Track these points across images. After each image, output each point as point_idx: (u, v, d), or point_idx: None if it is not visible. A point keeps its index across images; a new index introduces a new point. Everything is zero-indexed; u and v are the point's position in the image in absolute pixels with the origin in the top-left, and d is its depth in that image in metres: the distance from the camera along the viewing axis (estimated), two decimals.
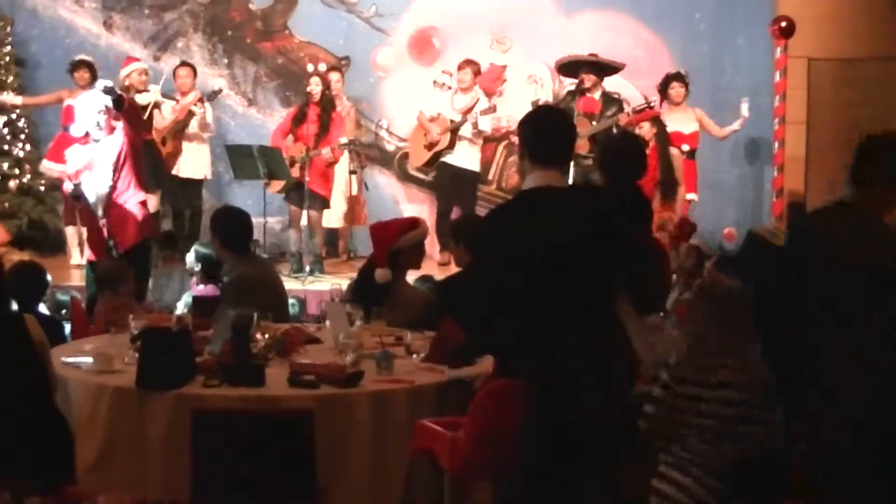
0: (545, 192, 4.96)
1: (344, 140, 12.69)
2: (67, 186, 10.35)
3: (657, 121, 11.92)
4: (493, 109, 13.17)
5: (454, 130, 13.10)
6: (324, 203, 12.70)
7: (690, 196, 12.89)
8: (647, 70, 14.10)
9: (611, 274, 4.83)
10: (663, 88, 12.97)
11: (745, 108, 13.09)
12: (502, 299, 4.97)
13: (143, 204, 10.19)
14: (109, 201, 10.03)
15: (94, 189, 10.05)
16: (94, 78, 13.15)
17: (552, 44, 14.15)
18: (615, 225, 4.94)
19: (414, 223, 8.11)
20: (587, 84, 12.57)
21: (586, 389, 4.79)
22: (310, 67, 13.85)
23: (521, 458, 4.95)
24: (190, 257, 9.45)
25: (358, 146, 13.39)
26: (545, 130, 5.11)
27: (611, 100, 12.58)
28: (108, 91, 9.96)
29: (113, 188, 10.02)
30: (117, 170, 10.08)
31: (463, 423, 5.51)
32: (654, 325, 4.95)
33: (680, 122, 12.88)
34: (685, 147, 12.84)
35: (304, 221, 12.66)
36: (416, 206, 14.37)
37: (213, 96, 13.53)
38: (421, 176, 14.44)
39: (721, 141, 13.45)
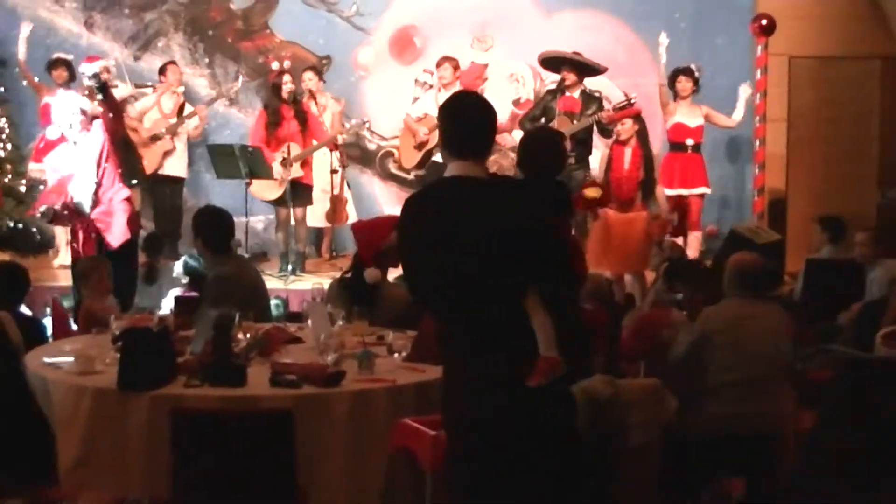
0: (460, 181, 4.92)
1: (354, 121, 12.85)
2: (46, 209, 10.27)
3: (639, 118, 11.93)
4: None
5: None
6: (310, 195, 12.72)
7: (702, 190, 12.91)
8: (626, 69, 14.11)
9: (514, 267, 4.80)
10: (670, 82, 12.99)
11: (743, 91, 13.12)
12: (415, 286, 5.04)
13: (129, 200, 10.22)
14: (95, 198, 10.06)
15: (80, 188, 10.06)
16: (72, 76, 13.16)
17: (532, 42, 14.12)
18: (521, 217, 4.89)
19: (396, 221, 8.11)
20: (568, 82, 12.56)
21: (489, 378, 4.80)
22: (275, 66, 13.83)
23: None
24: (178, 268, 9.46)
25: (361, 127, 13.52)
26: (460, 120, 5.04)
27: (591, 98, 12.56)
28: (93, 77, 10.00)
29: (98, 185, 10.06)
30: (100, 165, 10.11)
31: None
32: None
33: (685, 115, 12.89)
34: (689, 141, 12.85)
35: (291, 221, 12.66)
36: (398, 205, 14.32)
37: (210, 102, 13.60)
38: (402, 174, 14.44)
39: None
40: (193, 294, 7.99)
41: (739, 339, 6.58)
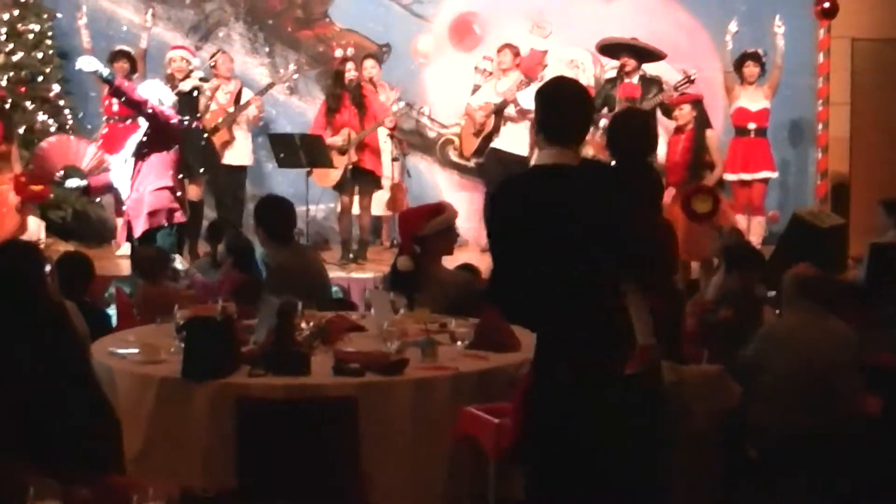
0: (553, 170, 4.88)
1: (402, 103, 12.85)
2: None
3: (698, 104, 11.86)
4: (527, 83, 13.08)
5: (498, 112, 13.09)
6: (376, 182, 12.71)
7: (765, 174, 12.84)
8: (686, 54, 14.04)
9: (612, 252, 4.76)
10: (738, 66, 12.91)
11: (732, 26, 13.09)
12: (511, 275, 4.95)
13: (164, 191, 10.33)
14: (131, 187, 10.28)
15: (119, 177, 10.25)
16: (133, 68, 13.26)
17: (592, 28, 14.10)
18: (617, 202, 4.85)
19: (439, 209, 8.09)
20: (628, 68, 12.54)
21: (582, 366, 4.75)
22: (338, 53, 13.86)
23: (529, 433, 4.97)
24: (221, 247, 9.51)
25: (412, 108, 13.48)
26: (557, 105, 4.97)
27: (650, 82, 12.52)
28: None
29: (135, 174, 10.26)
30: (142, 156, 10.29)
31: (507, 409, 5.52)
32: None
33: (749, 99, 12.81)
34: (752, 125, 12.77)
35: (355, 210, 12.69)
36: (458, 192, 14.36)
37: (264, 91, 13.62)
38: (462, 162, 14.43)
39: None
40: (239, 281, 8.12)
41: (800, 355, 6.45)
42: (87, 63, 10.83)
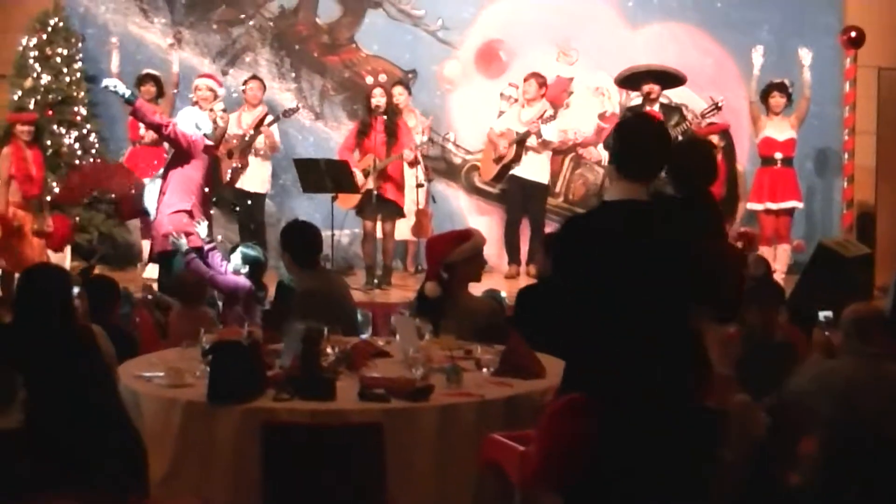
0: (625, 206, 4.90)
1: (424, 138, 12.77)
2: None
3: (725, 134, 11.86)
4: (553, 117, 13.13)
5: (520, 142, 13.11)
6: (398, 211, 12.72)
7: (792, 204, 12.84)
8: (713, 82, 14.04)
9: (686, 286, 4.78)
10: (763, 97, 12.92)
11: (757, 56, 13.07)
12: (576, 307, 4.95)
13: (180, 213, 10.48)
14: (157, 209, 10.84)
15: (148, 198, 10.45)
16: (160, 92, 13.34)
17: (618, 56, 14.13)
18: (691, 237, 4.87)
19: (467, 235, 8.10)
20: (653, 95, 12.56)
21: (657, 403, 4.75)
22: (369, 80, 13.89)
23: (593, 472, 4.93)
24: (236, 258, 9.52)
25: (434, 143, 13.46)
26: (635, 142, 5.00)
27: (671, 109, 12.55)
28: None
29: (160, 196, 10.48)
30: (165, 178, 10.52)
31: (533, 437, 5.51)
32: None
33: (775, 129, 12.81)
34: (778, 155, 12.78)
35: (378, 234, 12.70)
36: (484, 218, 14.37)
37: (289, 113, 13.64)
38: (488, 188, 14.43)
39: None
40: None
41: (854, 402, 6.22)
42: (112, 83, 10.94)
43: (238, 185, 13.31)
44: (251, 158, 13.32)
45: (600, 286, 4.83)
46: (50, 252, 12.41)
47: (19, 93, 13.96)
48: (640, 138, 5.02)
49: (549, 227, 12.46)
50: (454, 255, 7.72)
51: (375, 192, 12.34)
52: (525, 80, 13.41)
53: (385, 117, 12.44)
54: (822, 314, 7.96)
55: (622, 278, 4.78)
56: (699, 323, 4.80)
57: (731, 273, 5.27)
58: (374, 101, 12.53)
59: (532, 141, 13.06)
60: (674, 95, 12.80)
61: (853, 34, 13.41)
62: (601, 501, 4.86)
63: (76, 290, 7.05)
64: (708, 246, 4.94)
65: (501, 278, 12.95)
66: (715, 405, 4.77)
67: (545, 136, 12.98)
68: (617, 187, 5.00)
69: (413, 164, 12.88)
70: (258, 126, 13.30)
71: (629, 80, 13.01)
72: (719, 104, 12.26)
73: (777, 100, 12.86)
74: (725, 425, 4.90)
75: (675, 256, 4.77)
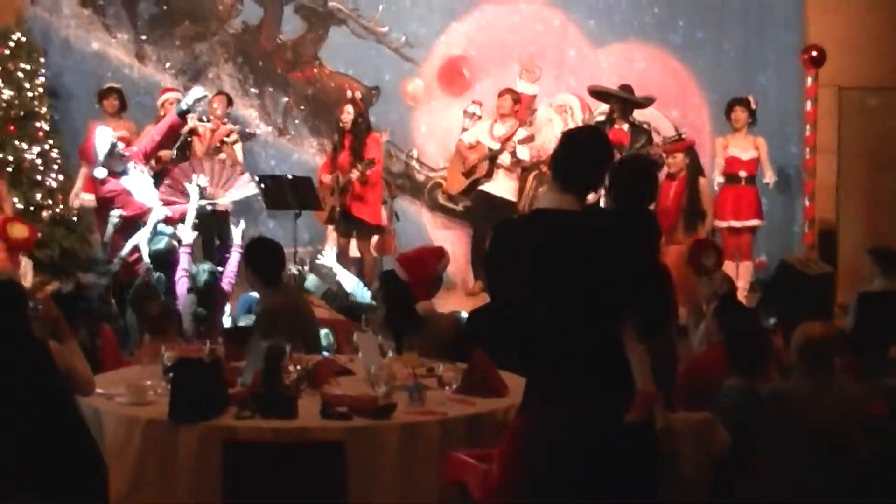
0: (555, 215, 4.89)
1: (367, 161, 12.72)
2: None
3: (690, 151, 11.91)
4: (531, 139, 13.16)
5: (492, 159, 13.10)
6: (369, 229, 12.73)
7: (754, 223, 12.95)
8: (675, 99, 14.12)
9: (619, 300, 4.79)
10: (726, 113, 13.01)
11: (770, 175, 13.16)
12: (513, 317, 4.96)
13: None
14: None
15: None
16: (122, 106, 13.31)
17: (581, 74, 14.21)
18: (620, 248, 4.88)
19: (441, 251, 8.14)
20: (616, 114, 12.60)
21: (591, 415, 4.75)
22: (349, 94, 13.91)
23: (523, 477, 4.96)
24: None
25: (379, 169, 13.42)
26: (573, 153, 5.00)
27: (639, 130, 12.58)
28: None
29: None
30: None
31: (495, 455, 5.51)
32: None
33: (739, 147, 12.93)
34: (742, 173, 12.90)
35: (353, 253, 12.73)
36: (447, 234, 14.37)
37: (247, 137, 13.63)
38: (451, 206, 14.44)
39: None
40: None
41: (813, 420, 6.27)
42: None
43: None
44: None
45: (525, 293, 4.83)
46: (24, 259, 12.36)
47: None
48: (578, 150, 5.02)
49: None
50: (437, 270, 7.77)
51: (339, 209, 12.33)
52: (500, 94, 13.37)
53: (351, 134, 12.46)
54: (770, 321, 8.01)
55: (545, 287, 4.79)
56: (624, 336, 4.80)
57: (657, 292, 5.27)
58: (343, 117, 12.56)
59: (505, 158, 13.05)
60: (639, 114, 12.83)
61: (814, 53, 13.49)
62: None
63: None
64: (637, 259, 4.94)
65: (464, 296, 12.96)
66: (636, 420, 4.75)
67: (520, 155, 13.00)
68: (550, 196, 5.01)
69: (363, 181, 12.79)
70: (221, 143, 13.25)
71: (600, 95, 13.07)
72: (682, 135, 12.37)
73: (738, 114, 12.95)
74: (646, 440, 4.89)
75: (600, 268, 4.76)
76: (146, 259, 9.98)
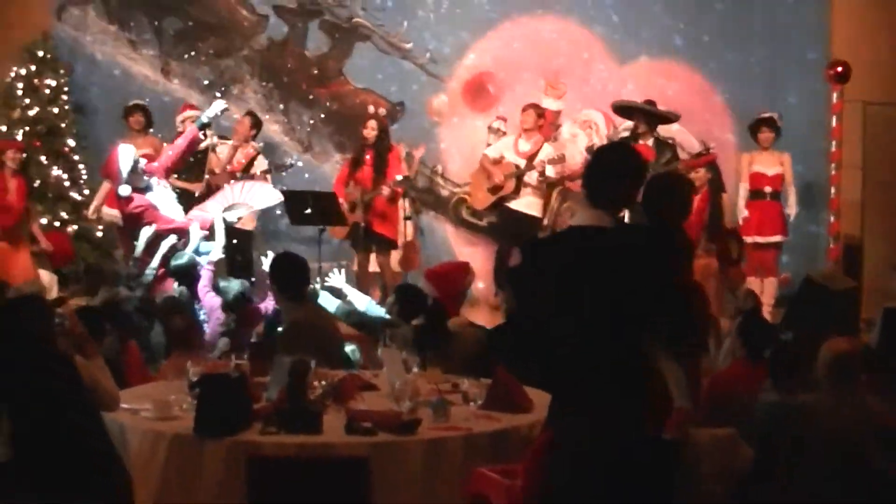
0: (587, 231, 4.92)
1: (399, 177, 12.73)
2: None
3: (712, 166, 11.89)
4: (562, 159, 13.09)
5: (520, 177, 13.05)
6: (389, 244, 12.73)
7: (778, 238, 12.91)
8: (700, 115, 14.10)
9: (644, 313, 4.79)
10: (752, 132, 13.00)
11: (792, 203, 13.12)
12: (536, 332, 4.97)
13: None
14: None
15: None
16: (148, 122, 13.35)
17: (606, 90, 14.21)
18: (646, 263, 4.88)
19: (467, 266, 8.16)
20: (640, 129, 12.57)
21: (612, 427, 4.76)
22: (370, 109, 13.94)
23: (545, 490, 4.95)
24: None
25: (412, 185, 13.41)
26: (606, 170, 5.03)
27: (664, 145, 12.55)
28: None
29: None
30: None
31: (519, 471, 5.51)
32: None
33: (765, 163, 12.92)
34: (767, 189, 12.89)
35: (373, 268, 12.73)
36: (470, 250, 14.37)
37: (283, 169, 13.66)
38: (475, 221, 14.45)
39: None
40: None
41: (837, 435, 6.23)
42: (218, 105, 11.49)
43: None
44: None
45: (555, 309, 4.85)
46: (42, 272, 12.41)
47: (6, 123, 13.94)
48: (611, 166, 5.05)
49: None
50: (465, 285, 7.79)
51: (363, 225, 12.35)
52: (523, 110, 13.29)
53: (373, 149, 12.48)
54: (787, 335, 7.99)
55: (572, 301, 4.80)
56: (659, 354, 4.80)
57: (691, 309, 5.27)
58: (365, 132, 12.57)
59: (532, 176, 13.01)
60: (664, 130, 12.81)
61: (839, 69, 13.46)
62: None
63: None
64: (670, 276, 4.94)
65: (488, 309, 12.96)
66: (673, 437, 4.75)
67: (549, 174, 12.95)
68: (582, 214, 5.02)
69: (393, 199, 12.83)
70: (248, 167, 13.24)
71: (624, 110, 13.04)
72: (710, 149, 12.33)
73: (766, 134, 12.96)
74: (679, 457, 4.89)
75: (633, 285, 4.77)
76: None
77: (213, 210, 10.94)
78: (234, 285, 9.75)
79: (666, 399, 4.76)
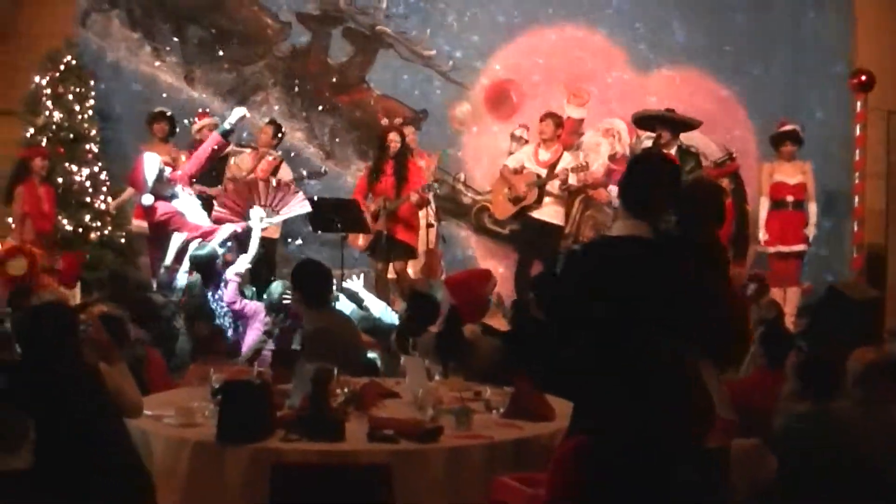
0: (626, 242, 4.92)
1: (434, 184, 12.75)
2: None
3: (735, 176, 11.87)
4: (585, 167, 13.06)
5: (541, 186, 13.02)
6: (409, 252, 12.73)
7: (801, 247, 12.88)
8: (722, 124, 14.07)
9: (683, 326, 4.78)
10: (774, 145, 12.96)
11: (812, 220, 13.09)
12: (573, 344, 4.96)
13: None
14: None
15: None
16: (172, 131, 13.38)
17: (627, 98, 14.18)
18: (689, 277, 4.87)
19: (489, 274, 8.14)
20: (663, 139, 12.54)
21: (652, 443, 4.74)
22: (385, 122, 13.95)
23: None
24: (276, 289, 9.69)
25: (437, 188, 13.40)
26: (642, 179, 5.05)
27: (687, 154, 12.51)
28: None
29: None
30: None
31: (541, 479, 5.50)
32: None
33: (786, 172, 12.87)
34: (789, 198, 12.84)
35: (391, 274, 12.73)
36: (491, 258, 14.37)
37: (314, 177, 13.67)
38: (497, 229, 14.45)
39: None
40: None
41: (856, 446, 6.20)
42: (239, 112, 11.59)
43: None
44: None
45: (595, 320, 4.84)
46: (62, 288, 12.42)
47: (31, 130, 13.98)
48: (647, 176, 5.06)
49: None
50: (485, 293, 7.78)
51: (386, 234, 12.36)
52: (541, 119, 13.24)
53: (394, 160, 12.48)
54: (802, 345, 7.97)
55: (616, 314, 4.79)
56: (700, 365, 4.79)
57: (731, 319, 5.26)
58: (391, 146, 12.54)
59: (554, 185, 12.97)
60: (686, 138, 12.79)
61: (863, 78, 13.43)
62: None
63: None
64: (709, 290, 4.93)
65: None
66: (718, 445, 4.76)
67: (571, 183, 12.92)
68: (621, 223, 5.03)
69: (421, 205, 12.85)
70: (275, 171, 13.24)
71: (643, 121, 13.01)
72: (733, 155, 12.29)
73: (789, 148, 12.90)
74: (725, 467, 4.88)
75: (672, 296, 4.77)
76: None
77: (253, 217, 10.96)
78: (276, 286, 9.73)
79: (708, 410, 4.75)
